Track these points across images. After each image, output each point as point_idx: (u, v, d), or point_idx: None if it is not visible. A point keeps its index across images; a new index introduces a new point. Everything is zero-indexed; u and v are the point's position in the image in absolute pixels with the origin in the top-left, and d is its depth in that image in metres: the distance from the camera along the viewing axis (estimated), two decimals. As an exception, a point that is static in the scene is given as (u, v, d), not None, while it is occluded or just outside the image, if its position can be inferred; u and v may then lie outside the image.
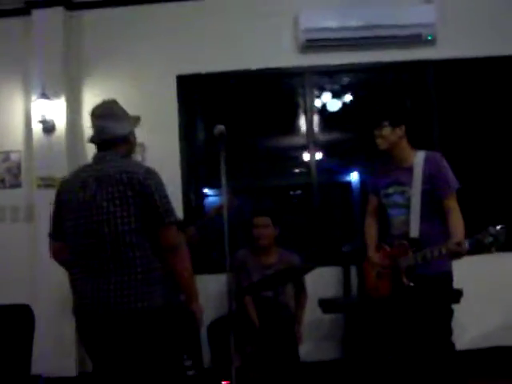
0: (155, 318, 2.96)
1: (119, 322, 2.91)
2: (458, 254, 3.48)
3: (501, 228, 3.32)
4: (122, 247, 2.95)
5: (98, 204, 2.98)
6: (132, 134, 3.30)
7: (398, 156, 3.96)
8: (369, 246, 4.16)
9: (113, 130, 3.16)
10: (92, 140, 3.23)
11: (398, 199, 3.92)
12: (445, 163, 3.87)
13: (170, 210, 3.01)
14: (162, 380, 3.05)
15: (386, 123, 3.88)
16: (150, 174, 3.04)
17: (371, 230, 4.23)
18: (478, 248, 3.37)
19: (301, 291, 5.17)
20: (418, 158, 3.88)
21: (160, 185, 3.04)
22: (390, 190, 3.97)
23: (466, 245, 3.40)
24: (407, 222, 3.83)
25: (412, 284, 3.75)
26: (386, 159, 4.06)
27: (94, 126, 3.23)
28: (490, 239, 3.30)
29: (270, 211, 5.31)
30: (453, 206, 3.78)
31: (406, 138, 3.95)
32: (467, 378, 3.88)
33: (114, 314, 2.91)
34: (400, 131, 3.90)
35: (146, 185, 2.97)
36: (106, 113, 3.23)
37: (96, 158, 3.20)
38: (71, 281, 3.13)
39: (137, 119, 3.39)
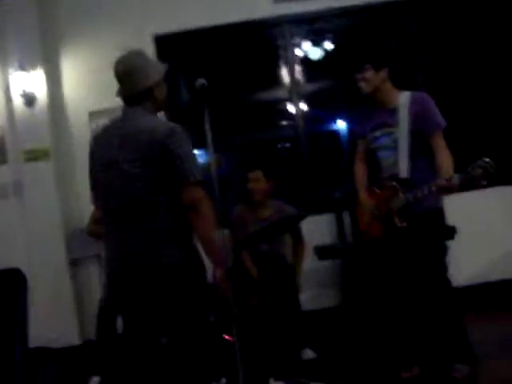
0: (175, 273, 2.95)
1: (143, 277, 2.94)
2: (448, 190, 3.49)
3: (489, 160, 3.32)
4: (144, 207, 2.93)
5: (120, 165, 2.95)
6: (159, 86, 3.11)
7: (383, 98, 3.92)
8: (359, 190, 4.16)
9: (135, 83, 3.04)
10: (117, 95, 3.12)
11: (386, 141, 3.91)
12: (431, 102, 3.85)
13: (190, 169, 2.89)
14: (189, 334, 3.06)
15: (369, 66, 3.84)
16: (172, 132, 2.93)
17: (360, 174, 4.22)
18: (468, 182, 3.36)
19: (298, 242, 5.19)
20: (403, 99, 3.85)
21: (181, 144, 2.92)
22: (377, 133, 3.95)
23: (456, 179, 3.40)
24: (396, 163, 3.83)
25: (405, 224, 3.77)
26: (370, 103, 4.02)
27: (117, 80, 3.10)
28: (480, 171, 3.29)
29: (262, 165, 5.25)
30: (440, 143, 3.77)
31: (389, 80, 3.92)
32: (464, 314, 3.92)
33: (138, 270, 2.94)
34: (383, 74, 3.86)
35: (166, 144, 2.89)
36: (126, 65, 3.09)
37: (122, 114, 3.10)
38: (103, 238, 3.16)
39: (163, 67, 3.20)
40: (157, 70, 3.13)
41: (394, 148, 3.84)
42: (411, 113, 3.79)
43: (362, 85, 3.88)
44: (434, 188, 3.53)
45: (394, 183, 3.81)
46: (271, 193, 5.12)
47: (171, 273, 2.95)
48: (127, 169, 2.93)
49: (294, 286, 4.94)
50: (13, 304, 1.47)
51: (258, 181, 5.02)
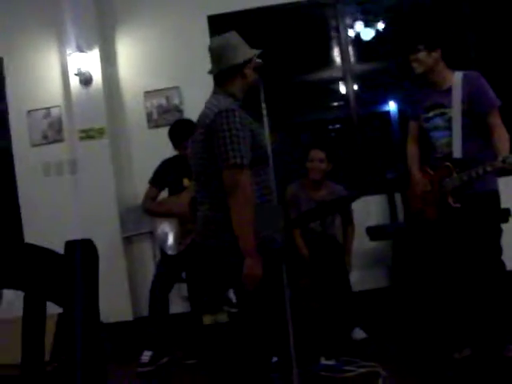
0: (220, 256, 3.04)
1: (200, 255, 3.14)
2: (504, 170, 3.46)
3: None
4: (202, 187, 3.11)
5: (194, 143, 3.17)
6: (244, 68, 3.16)
7: (436, 79, 3.90)
8: (413, 170, 4.15)
9: (224, 61, 3.12)
10: (208, 72, 3.25)
11: (439, 122, 3.89)
12: (484, 81, 3.82)
13: (229, 152, 2.90)
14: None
15: (422, 47, 3.82)
16: (221, 115, 2.96)
17: (414, 154, 4.20)
18: None
19: (348, 223, 5.21)
20: (457, 79, 3.83)
21: (227, 126, 2.93)
22: (431, 114, 3.93)
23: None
24: (450, 144, 3.81)
25: (459, 205, 3.75)
26: (423, 84, 4.01)
27: (210, 58, 3.20)
28: None
29: (326, 146, 5.25)
30: (496, 122, 3.74)
31: (442, 61, 3.90)
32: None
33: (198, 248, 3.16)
34: (436, 54, 3.84)
35: (213, 127, 2.95)
36: (216, 43, 3.20)
37: (212, 93, 3.23)
38: None
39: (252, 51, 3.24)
40: (244, 53, 3.17)
41: (448, 128, 3.82)
42: (464, 93, 3.76)
43: (415, 65, 3.88)
44: (489, 168, 3.51)
45: (448, 163, 3.79)
46: (328, 174, 5.14)
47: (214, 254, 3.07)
48: (193, 147, 3.16)
49: (344, 266, 4.96)
50: (91, 275, 1.52)
51: (321, 161, 5.03)
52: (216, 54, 3.16)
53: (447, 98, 3.82)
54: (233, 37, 3.21)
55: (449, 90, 3.83)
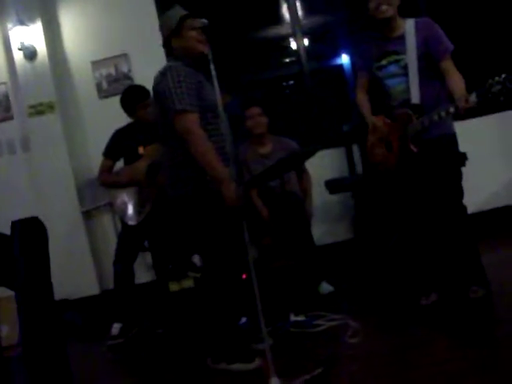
0: (183, 204, 3.44)
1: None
2: (467, 110, 3.44)
3: (507, 75, 3.26)
4: (162, 140, 3.56)
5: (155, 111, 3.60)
6: (177, 34, 3.53)
7: (393, 25, 3.83)
8: (366, 115, 4.10)
9: (165, 31, 3.57)
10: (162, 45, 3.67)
11: (394, 69, 3.84)
12: (436, 26, 3.79)
13: (175, 101, 3.27)
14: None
15: None
16: (161, 76, 3.39)
17: (365, 102, 4.14)
18: (486, 99, 3.30)
19: (302, 173, 5.21)
20: (409, 25, 3.79)
21: (170, 80, 3.30)
22: (384, 62, 3.88)
23: (474, 97, 3.34)
24: (407, 90, 3.78)
25: (417, 149, 3.74)
26: (370, 33, 3.97)
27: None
28: (498, 87, 3.24)
29: (259, 101, 5.35)
30: (451, 67, 3.72)
31: None
32: (477, 241, 3.92)
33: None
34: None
35: (159, 88, 3.38)
36: (161, 20, 3.74)
37: None
38: None
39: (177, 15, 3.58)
40: (170, 20, 3.56)
41: (403, 75, 3.79)
42: (417, 38, 3.73)
43: (384, 8, 3.74)
44: (451, 109, 3.48)
45: (407, 109, 3.78)
46: (269, 128, 5.16)
47: (182, 204, 3.44)
48: (157, 112, 3.54)
49: (306, 221, 4.96)
50: (36, 254, 1.47)
51: (258, 116, 5.07)
52: (161, 29, 3.61)
53: (400, 46, 3.78)
54: (172, 10, 3.62)
55: (401, 37, 3.78)
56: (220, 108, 3.28)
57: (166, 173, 3.59)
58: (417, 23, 3.79)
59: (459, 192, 3.84)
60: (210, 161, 3.27)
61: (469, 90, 3.43)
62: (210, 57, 3.37)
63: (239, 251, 3.43)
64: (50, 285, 1.53)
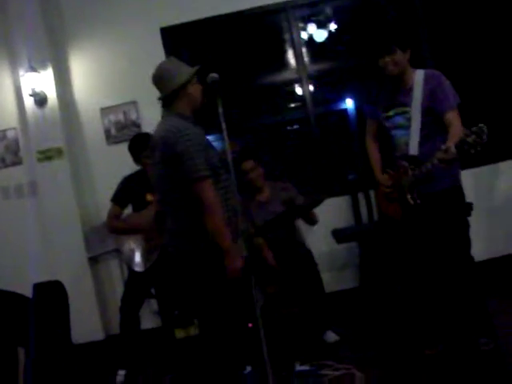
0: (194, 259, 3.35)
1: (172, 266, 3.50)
2: (448, 161, 3.45)
3: (482, 125, 3.28)
4: (168, 204, 3.41)
5: (154, 167, 3.47)
6: (187, 87, 3.44)
7: (402, 78, 3.87)
8: (376, 170, 4.14)
9: (164, 87, 3.43)
10: (159, 99, 3.50)
11: (400, 120, 3.88)
12: (444, 79, 3.80)
13: (191, 168, 3.20)
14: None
15: (397, 48, 3.78)
16: (176, 134, 3.24)
17: (375, 153, 4.20)
18: (463, 150, 3.31)
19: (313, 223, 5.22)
20: (418, 77, 3.82)
21: (187, 143, 3.21)
22: (391, 113, 3.92)
23: (453, 149, 3.35)
24: (408, 142, 3.82)
25: (419, 201, 3.75)
26: (382, 83, 4.00)
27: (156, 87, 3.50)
28: (472, 138, 3.27)
29: (251, 152, 5.44)
30: (454, 119, 3.70)
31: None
32: (485, 290, 3.93)
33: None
34: (407, 55, 3.83)
35: (174, 145, 3.22)
36: (156, 71, 3.48)
37: (161, 117, 3.53)
38: None
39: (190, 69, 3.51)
40: (183, 73, 3.44)
41: (408, 127, 3.82)
42: (424, 91, 3.76)
43: (391, 67, 3.80)
44: (435, 161, 3.51)
45: (404, 161, 3.82)
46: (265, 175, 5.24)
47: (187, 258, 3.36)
48: (155, 169, 3.44)
49: (316, 270, 4.95)
50: (59, 314, 1.51)
51: (253, 170, 5.12)
52: (157, 83, 3.47)
53: (408, 97, 3.82)
54: (168, 63, 3.58)
55: (410, 89, 3.82)
56: (229, 157, 3.39)
57: (174, 226, 3.46)
58: (425, 75, 3.83)
59: (466, 243, 3.85)
60: (221, 233, 3.25)
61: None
62: (221, 110, 3.44)
63: (245, 301, 3.42)
64: (71, 347, 1.56)
